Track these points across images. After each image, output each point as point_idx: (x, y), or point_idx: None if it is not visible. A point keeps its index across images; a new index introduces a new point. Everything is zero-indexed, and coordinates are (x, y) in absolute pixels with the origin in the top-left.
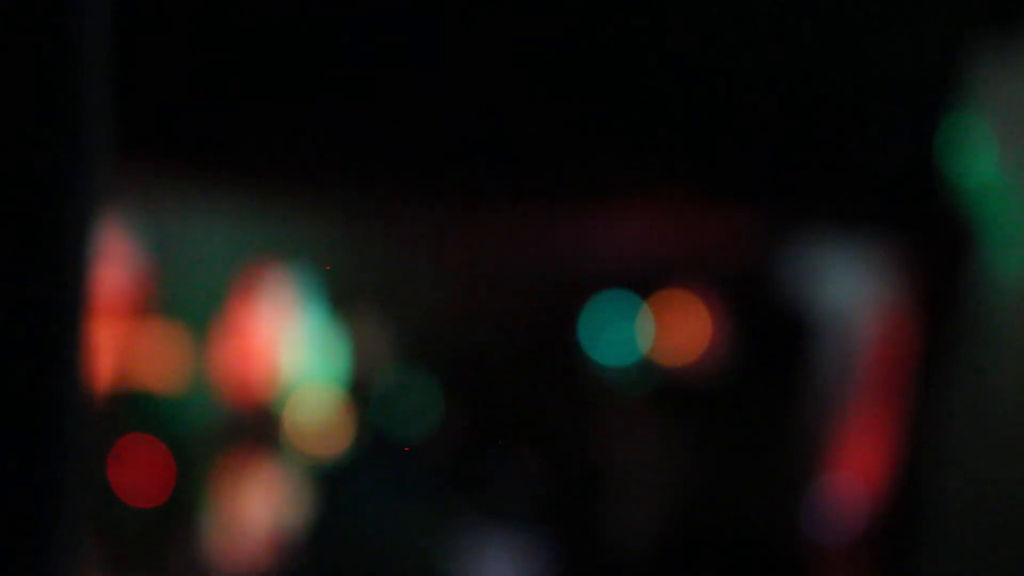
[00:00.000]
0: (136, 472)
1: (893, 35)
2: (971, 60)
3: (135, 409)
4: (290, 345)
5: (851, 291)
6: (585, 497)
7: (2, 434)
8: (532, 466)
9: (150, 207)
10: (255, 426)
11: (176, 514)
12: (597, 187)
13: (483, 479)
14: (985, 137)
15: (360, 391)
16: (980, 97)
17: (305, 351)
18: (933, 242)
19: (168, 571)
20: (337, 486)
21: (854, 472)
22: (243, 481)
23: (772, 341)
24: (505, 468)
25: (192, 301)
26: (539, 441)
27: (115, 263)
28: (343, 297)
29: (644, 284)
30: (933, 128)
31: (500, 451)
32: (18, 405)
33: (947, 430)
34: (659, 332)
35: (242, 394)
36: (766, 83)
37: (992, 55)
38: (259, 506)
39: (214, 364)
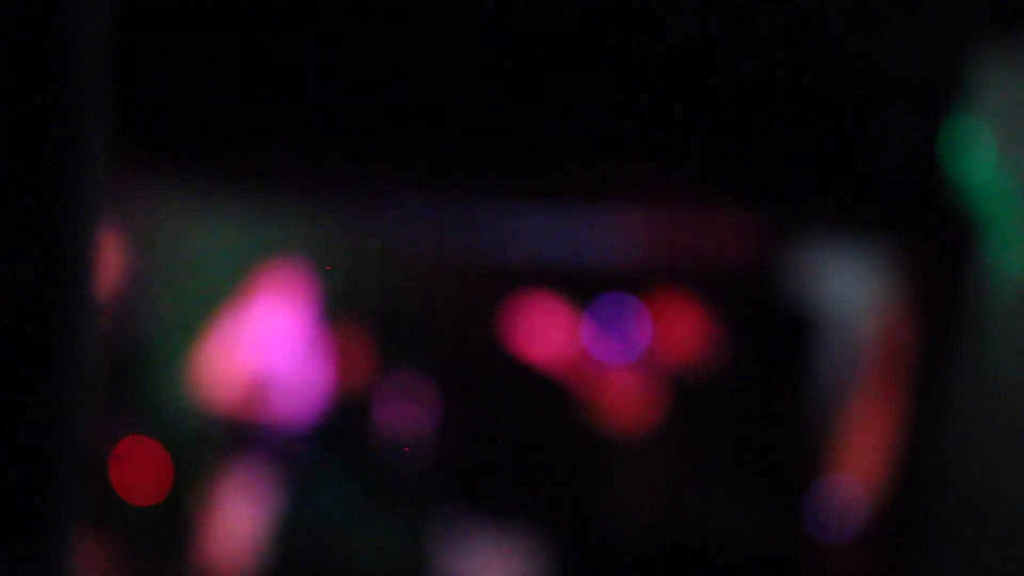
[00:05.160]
0: (136, 472)
1: (893, 36)
2: (971, 60)
3: (137, 409)
4: (289, 347)
5: (852, 291)
6: (582, 496)
7: (1, 434)
8: (529, 465)
9: (150, 207)
10: (249, 430)
11: (175, 514)
12: (598, 188)
13: (479, 478)
14: (985, 137)
15: (354, 390)
16: (980, 97)
17: (304, 353)
18: (933, 242)
19: (168, 571)
20: (325, 487)
21: (854, 472)
22: (237, 483)
23: (773, 342)
24: (501, 467)
25: (191, 302)
26: (537, 440)
27: (115, 263)
28: (341, 298)
29: (645, 285)
30: (933, 128)
31: (498, 450)
32: (18, 405)
33: (947, 430)
34: (659, 333)
35: (239, 397)
36: (766, 84)
37: (992, 55)
38: (251, 508)
39: (213, 365)
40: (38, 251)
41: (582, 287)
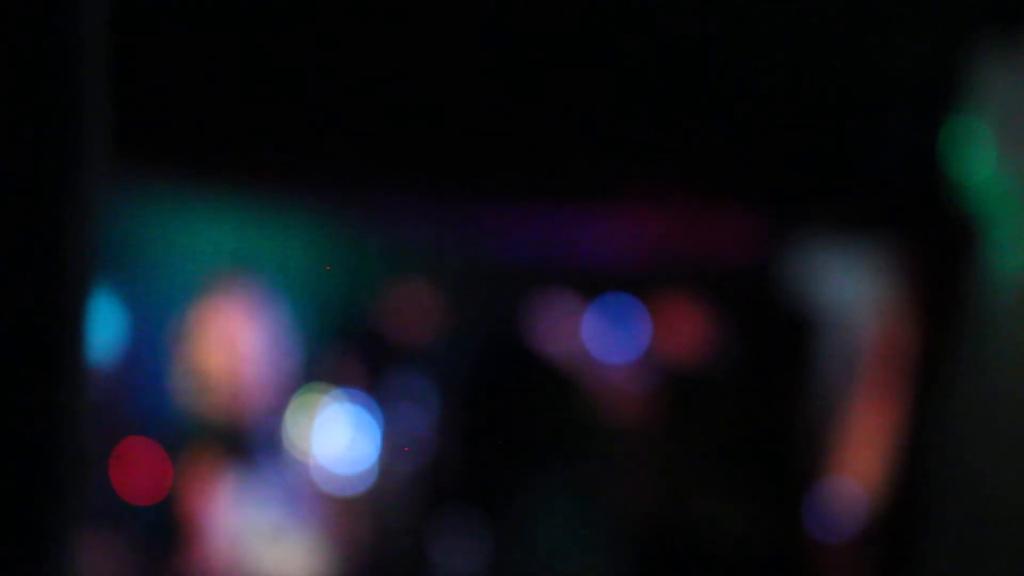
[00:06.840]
0: (136, 472)
1: (893, 36)
2: (972, 61)
3: (134, 410)
4: (276, 352)
5: (852, 291)
6: (584, 492)
7: (2, 434)
8: (532, 464)
9: (148, 207)
10: (234, 430)
11: (175, 513)
12: (600, 188)
13: (481, 477)
14: (985, 137)
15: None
16: (981, 97)
17: (291, 359)
18: (933, 242)
19: (168, 570)
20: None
21: (855, 471)
22: (221, 483)
23: (773, 341)
24: (504, 465)
25: (185, 302)
26: (540, 440)
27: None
28: (335, 301)
29: (647, 285)
30: (934, 129)
31: (499, 450)
32: (18, 405)
33: (947, 430)
34: (660, 332)
35: (226, 400)
36: (768, 84)
37: (992, 55)
38: (240, 505)
39: (201, 367)
40: (38, 251)
41: (585, 287)
